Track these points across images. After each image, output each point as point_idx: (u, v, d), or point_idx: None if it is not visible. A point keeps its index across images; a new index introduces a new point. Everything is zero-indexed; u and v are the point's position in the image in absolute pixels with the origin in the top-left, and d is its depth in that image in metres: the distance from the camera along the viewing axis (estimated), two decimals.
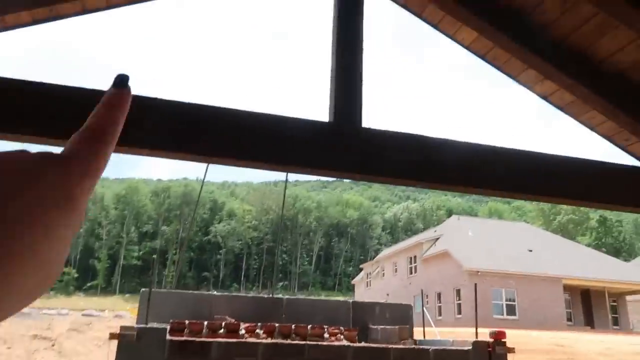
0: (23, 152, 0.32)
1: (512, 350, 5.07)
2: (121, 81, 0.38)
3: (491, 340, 5.10)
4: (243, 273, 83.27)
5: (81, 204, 0.33)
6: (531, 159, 2.58)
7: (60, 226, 0.31)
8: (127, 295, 70.11)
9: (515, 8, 2.72)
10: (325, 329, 5.57)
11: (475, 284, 7.87)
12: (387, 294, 36.83)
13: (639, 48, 2.51)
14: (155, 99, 2.06)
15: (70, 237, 0.32)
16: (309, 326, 5.54)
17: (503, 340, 5.08)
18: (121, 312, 29.02)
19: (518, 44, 2.74)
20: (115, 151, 1.95)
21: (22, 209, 0.29)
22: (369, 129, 2.36)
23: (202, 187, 14.35)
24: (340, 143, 2.29)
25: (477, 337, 5.67)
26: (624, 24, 2.29)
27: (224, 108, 2.16)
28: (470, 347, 5.06)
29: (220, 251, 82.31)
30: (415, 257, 36.64)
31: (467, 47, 3.13)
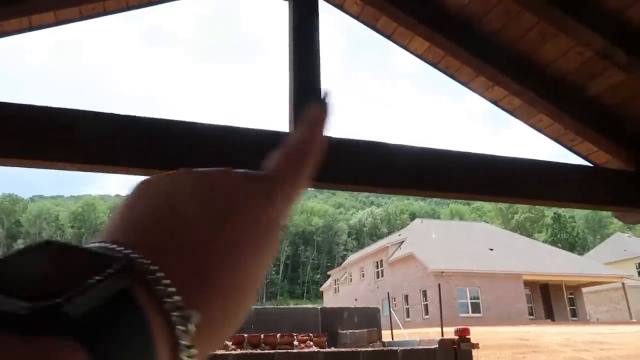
0: (229, 172, 0.31)
1: (476, 346, 5.23)
2: (323, 97, 0.35)
3: (456, 337, 5.25)
4: None
5: (278, 229, 0.30)
6: (487, 161, 2.69)
7: (263, 252, 0.29)
8: None
9: (463, 19, 2.84)
10: (295, 337, 5.57)
11: (439, 285, 8.06)
12: (355, 299, 37.01)
13: (578, 54, 2.67)
14: (112, 114, 2.03)
15: (267, 265, 0.29)
16: (278, 335, 5.52)
17: (467, 337, 5.24)
18: None
19: (468, 53, 2.87)
20: (68, 169, 1.90)
21: (235, 237, 0.27)
22: (330, 137, 2.41)
23: None
24: None
25: (442, 336, 5.81)
26: (561, 31, 2.44)
27: (180, 121, 2.16)
28: (436, 346, 5.19)
29: None
30: (381, 261, 37.04)
31: (420, 56, 3.25)
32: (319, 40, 2.61)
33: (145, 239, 0.25)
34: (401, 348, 5.31)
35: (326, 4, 3.16)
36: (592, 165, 3.27)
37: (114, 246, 0.23)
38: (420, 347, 5.47)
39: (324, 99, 0.36)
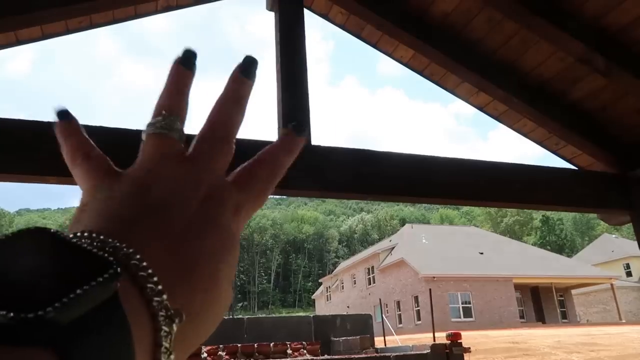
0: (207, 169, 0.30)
1: (467, 350, 5.27)
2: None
3: (448, 342, 5.29)
4: None
5: (238, 239, 0.31)
6: (474, 166, 2.73)
7: (231, 265, 0.29)
8: None
9: (446, 27, 2.90)
10: (288, 345, 5.57)
11: (430, 290, 8.09)
12: (348, 306, 36.93)
13: (559, 60, 2.73)
14: (101, 127, 2.03)
15: (232, 279, 0.30)
16: (272, 344, 5.51)
17: (459, 341, 5.28)
18: None
19: (452, 60, 2.91)
20: (62, 182, 1.89)
21: (217, 240, 0.27)
22: (319, 146, 2.43)
23: None
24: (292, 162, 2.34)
25: (434, 341, 5.84)
26: (542, 38, 2.50)
27: None
28: (428, 351, 5.22)
29: None
30: (372, 267, 37.05)
31: (405, 64, 3.29)
32: (305, 50, 2.65)
33: (132, 231, 0.25)
34: (394, 354, 5.34)
35: (312, 13, 3.21)
36: (576, 168, 3.33)
37: (101, 237, 0.23)
38: (412, 352, 5.50)
39: (300, 125, 0.36)
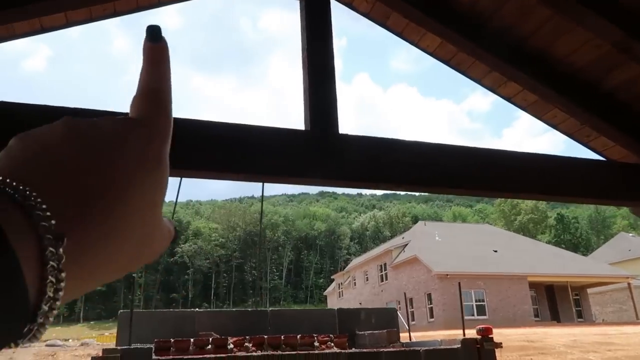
0: (104, 120, 0.32)
1: (499, 345, 5.17)
2: (154, 34, 0.36)
3: (479, 337, 5.19)
4: (213, 292, 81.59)
5: (165, 165, 0.33)
6: (498, 157, 2.65)
7: (154, 190, 0.32)
8: (92, 322, 67.41)
9: (475, 14, 2.82)
10: (315, 338, 5.52)
11: (459, 283, 8.04)
12: (360, 303, 36.87)
13: (593, 49, 2.64)
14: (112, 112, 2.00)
15: (161, 203, 0.33)
16: (299, 336, 5.47)
17: (490, 336, 5.18)
18: (87, 339, 27.78)
19: (481, 48, 2.84)
20: None
21: (116, 176, 0.30)
22: (346, 134, 2.38)
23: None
24: (317, 150, 2.29)
25: (464, 336, 5.74)
26: (579, 24, 2.40)
27: (194, 120, 2.13)
28: (459, 345, 5.13)
29: (188, 271, 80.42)
30: (385, 264, 36.93)
31: (431, 54, 3.22)
32: (332, 38, 2.59)
33: (30, 171, 0.28)
34: (424, 348, 5.25)
35: (336, 2, 3.14)
36: (606, 159, 3.23)
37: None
38: (442, 347, 5.41)
39: (155, 34, 0.36)
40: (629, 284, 32.52)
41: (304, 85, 2.47)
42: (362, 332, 6.52)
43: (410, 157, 2.42)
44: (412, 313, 32.19)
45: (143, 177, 0.31)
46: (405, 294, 17.08)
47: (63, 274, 0.25)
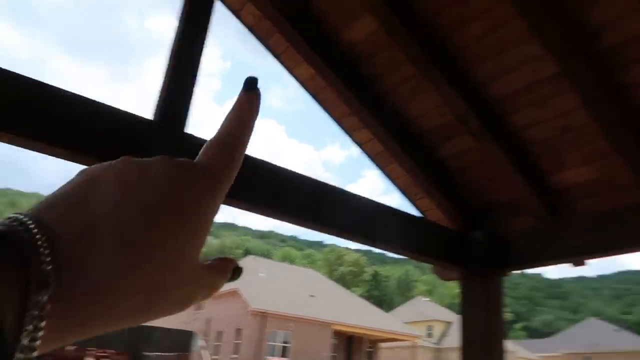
0: (161, 160, 0.31)
1: None
2: (251, 84, 0.37)
3: None
4: None
5: (210, 218, 0.32)
6: (328, 192, 2.72)
7: (190, 245, 0.31)
8: None
9: (353, 56, 2.98)
10: (86, 351, 4.88)
11: (265, 321, 7.97)
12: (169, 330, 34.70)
13: (440, 115, 2.98)
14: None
15: (196, 255, 0.31)
16: (71, 347, 4.78)
17: None
18: None
19: (347, 89, 2.99)
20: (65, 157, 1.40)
21: (152, 242, 0.28)
22: (191, 134, 2.21)
23: None
24: (159, 145, 2.10)
25: None
26: (434, 88, 2.68)
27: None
28: None
29: None
30: None
31: (302, 83, 3.29)
32: (205, 38, 2.43)
33: (48, 213, 0.27)
34: None
35: (223, 7, 3.05)
36: (423, 217, 3.59)
37: (22, 217, 0.26)
38: None
39: (252, 83, 0.37)
40: (414, 342, 36.62)
41: (165, 74, 2.27)
42: (151, 353, 6.04)
43: (253, 175, 2.37)
44: (218, 347, 31.34)
45: (177, 230, 0.29)
46: (210, 324, 16.54)
47: (43, 323, 0.24)
